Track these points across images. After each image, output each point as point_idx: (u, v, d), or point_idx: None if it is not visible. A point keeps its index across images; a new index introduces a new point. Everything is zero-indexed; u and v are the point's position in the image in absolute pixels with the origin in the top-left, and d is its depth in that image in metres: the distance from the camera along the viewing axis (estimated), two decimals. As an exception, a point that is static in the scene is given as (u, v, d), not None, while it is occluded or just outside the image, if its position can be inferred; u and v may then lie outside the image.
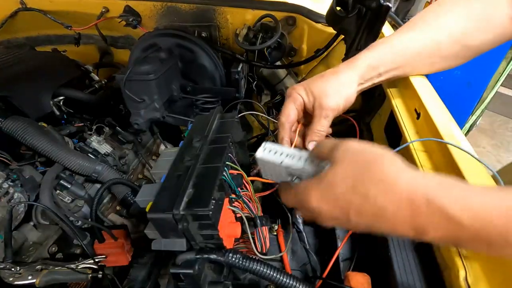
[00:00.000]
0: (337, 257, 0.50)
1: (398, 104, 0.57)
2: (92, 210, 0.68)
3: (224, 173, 0.41)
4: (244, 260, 0.33)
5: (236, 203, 0.46)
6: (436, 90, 0.55)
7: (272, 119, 0.84)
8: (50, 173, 0.70)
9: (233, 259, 0.33)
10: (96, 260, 0.60)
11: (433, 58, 0.52)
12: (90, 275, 0.61)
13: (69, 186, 0.72)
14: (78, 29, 1.05)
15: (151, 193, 0.38)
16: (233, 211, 0.44)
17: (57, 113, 0.85)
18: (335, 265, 0.49)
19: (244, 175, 0.46)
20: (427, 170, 0.43)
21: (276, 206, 0.63)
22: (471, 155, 0.38)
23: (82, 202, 0.77)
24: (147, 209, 0.36)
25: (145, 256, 0.75)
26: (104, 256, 0.64)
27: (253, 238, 0.46)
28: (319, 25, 0.88)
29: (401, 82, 0.60)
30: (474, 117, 2.37)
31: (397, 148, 0.47)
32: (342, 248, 0.51)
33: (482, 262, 0.31)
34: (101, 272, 0.62)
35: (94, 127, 0.89)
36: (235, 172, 0.46)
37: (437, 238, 0.28)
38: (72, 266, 0.62)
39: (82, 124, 0.86)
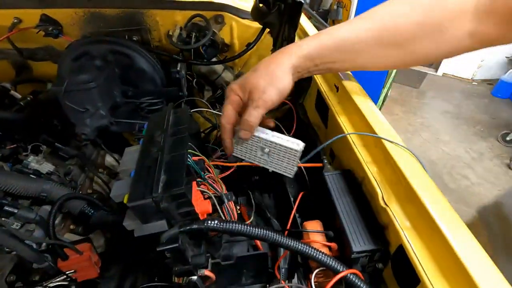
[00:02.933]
0: (294, 215, 0.59)
1: (321, 82, 0.68)
2: (50, 229, 0.66)
3: (188, 159, 0.47)
4: (221, 222, 0.40)
5: (202, 186, 0.51)
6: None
7: (218, 113, 0.90)
8: (-10, 202, 0.65)
9: (212, 224, 0.39)
10: (68, 273, 0.59)
11: (376, 61, 0.49)
12: (61, 294, 0.60)
13: (15, 211, 0.68)
14: (-15, 45, 0.94)
15: (125, 186, 0.41)
16: (202, 192, 0.50)
17: (-17, 138, 0.77)
18: (294, 222, 0.59)
19: (206, 160, 0.52)
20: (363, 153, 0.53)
21: (237, 185, 0.70)
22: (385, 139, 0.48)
23: (33, 226, 0.72)
24: (125, 201, 0.39)
25: (113, 268, 0.76)
26: (73, 271, 0.63)
27: (223, 213, 0.52)
28: (246, 21, 0.96)
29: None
30: (385, 90, 2.78)
31: (333, 138, 0.55)
32: (297, 209, 0.61)
33: (390, 184, 0.44)
34: (73, 286, 0.61)
35: (29, 146, 0.83)
36: (197, 158, 0.51)
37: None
38: (40, 288, 0.60)
39: (15, 145, 0.80)
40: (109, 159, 1.01)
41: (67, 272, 0.63)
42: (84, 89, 0.67)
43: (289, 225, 0.55)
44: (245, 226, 0.40)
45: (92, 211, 0.76)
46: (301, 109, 0.87)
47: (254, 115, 0.47)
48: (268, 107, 0.48)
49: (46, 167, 0.83)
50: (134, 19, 0.93)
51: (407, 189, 0.40)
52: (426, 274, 0.37)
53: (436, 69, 3.98)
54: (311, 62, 0.49)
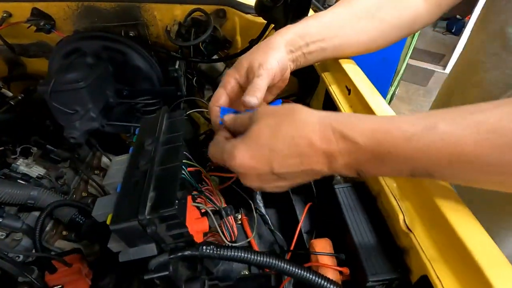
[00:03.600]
0: (300, 230, 0.54)
1: (331, 83, 0.62)
2: (36, 240, 0.61)
3: (183, 172, 0.41)
4: (218, 249, 0.34)
5: (199, 199, 0.46)
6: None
7: (218, 113, 0.85)
8: (-28, 211, 0.60)
9: (208, 250, 0.34)
10: (53, 291, 0.55)
11: (358, 34, 0.54)
12: (48, 310, 0.56)
13: (0, 220, 0.63)
14: (-26, 40, 0.90)
15: (109, 204, 0.36)
16: (198, 207, 0.45)
17: (-33, 140, 0.73)
18: (299, 238, 0.53)
19: (203, 170, 0.47)
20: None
21: (237, 196, 0.65)
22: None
23: (20, 235, 0.68)
24: (108, 222, 0.34)
25: (106, 278, 0.71)
26: (60, 286, 0.59)
27: (221, 229, 0.47)
28: (249, 16, 0.90)
29: (331, 63, 0.66)
30: (393, 88, 2.70)
31: None
32: (303, 222, 0.56)
33: (414, 205, 0.38)
34: (60, 304, 0.57)
35: (19, 149, 0.79)
36: (192, 169, 0.46)
37: (344, 165, 0.32)
38: (23, 306, 0.55)
39: (3, 148, 0.75)
40: (105, 160, 0.97)
41: (55, 287, 0.58)
42: (73, 89, 0.62)
43: (293, 243, 0.50)
44: (245, 253, 0.34)
45: (84, 219, 0.72)
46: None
47: (258, 83, 0.45)
48: (270, 76, 0.46)
49: (36, 170, 0.79)
50: (131, 14, 0.87)
51: (434, 211, 0.34)
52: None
53: (444, 66, 3.88)
54: (302, 40, 0.51)
